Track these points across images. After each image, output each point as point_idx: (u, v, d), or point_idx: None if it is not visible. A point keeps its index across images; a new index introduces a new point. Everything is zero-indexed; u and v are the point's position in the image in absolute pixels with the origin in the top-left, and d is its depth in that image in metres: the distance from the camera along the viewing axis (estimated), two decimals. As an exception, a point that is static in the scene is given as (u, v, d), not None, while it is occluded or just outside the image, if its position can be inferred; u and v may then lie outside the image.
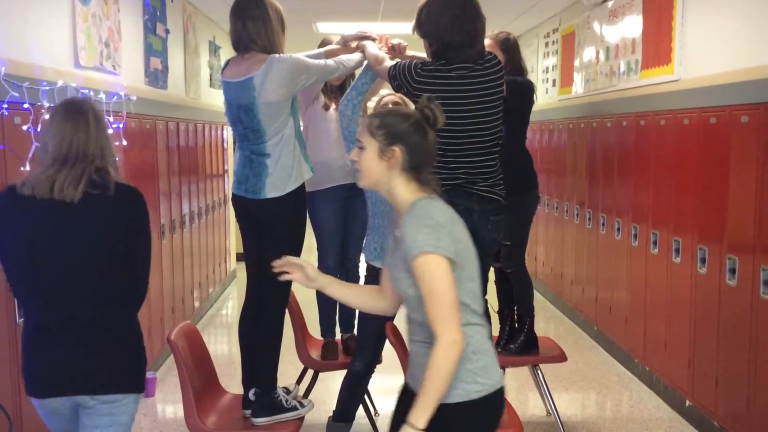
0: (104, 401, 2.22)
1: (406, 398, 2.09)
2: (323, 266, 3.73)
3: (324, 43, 3.67)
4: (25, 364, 2.25)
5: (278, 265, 2.18)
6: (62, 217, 2.17)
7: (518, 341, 3.74)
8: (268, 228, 3.02)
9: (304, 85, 3.02)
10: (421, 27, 2.87)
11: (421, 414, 1.91)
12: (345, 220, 3.71)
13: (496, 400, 2.05)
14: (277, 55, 2.95)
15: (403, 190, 2.05)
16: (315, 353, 3.71)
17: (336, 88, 3.73)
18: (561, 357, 3.75)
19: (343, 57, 3.19)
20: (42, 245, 2.17)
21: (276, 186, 2.97)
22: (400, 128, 2.04)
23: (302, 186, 3.06)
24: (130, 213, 2.26)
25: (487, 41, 3.95)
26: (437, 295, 1.94)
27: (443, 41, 2.78)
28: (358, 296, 2.30)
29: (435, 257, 1.93)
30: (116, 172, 2.28)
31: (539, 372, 3.78)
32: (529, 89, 3.86)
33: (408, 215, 2.01)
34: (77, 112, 2.25)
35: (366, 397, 3.64)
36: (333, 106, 3.69)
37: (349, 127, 3.13)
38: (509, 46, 3.89)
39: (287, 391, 3.17)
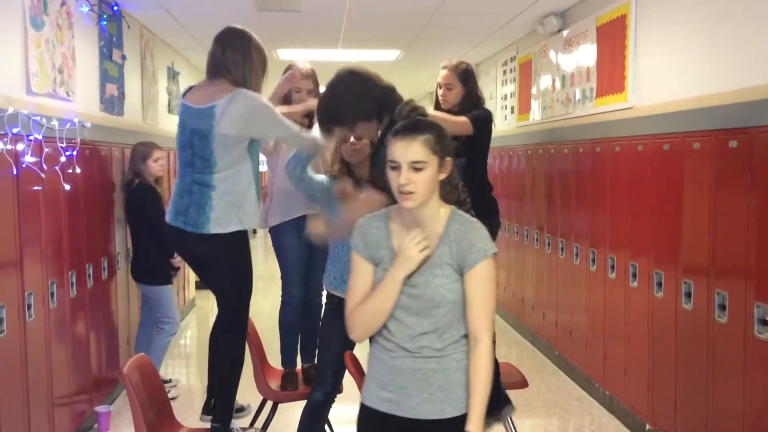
0: None
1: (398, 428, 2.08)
2: (288, 294, 3.70)
3: (288, 68, 3.67)
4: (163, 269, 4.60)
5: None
6: None
7: None
8: (211, 263, 2.97)
9: (261, 133, 2.94)
10: (341, 119, 2.68)
11: (479, 420, 1.99)
12: (309, 249, 3.68)
13: None
14: (244, 90, 2.90)
15: (437, 200, 2.08)
16: (274, 384, 3.64)
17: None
18: (522, 383, 3.74)
19: (309, 135, 3.08)
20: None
21: (221, 222, 2.90)
22: (448, 139, 2.07)
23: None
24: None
25: (444, 72, 4.01)
26: (492, 296, 2.05)
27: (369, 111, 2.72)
28: None
29: (494, 261, 2.05)
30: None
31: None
32: (488, 120, 3.93)
33: (455, 222, 2.06)
34: None
35: (327, 427, 3.58)
36: None
37: (298, 185, 3.00)
38: (468, 77, 3.96)
39: (241, 408, 3.13)
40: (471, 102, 3.93)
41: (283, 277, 3.74)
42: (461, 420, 2.01)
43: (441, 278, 2.02)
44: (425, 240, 2.02)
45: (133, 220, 4.87)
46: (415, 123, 2.08)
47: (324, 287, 3.24)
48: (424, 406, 2.04)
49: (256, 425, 3.74)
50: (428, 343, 2.04)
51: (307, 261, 3.68)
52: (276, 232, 3.68)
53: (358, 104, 2.69)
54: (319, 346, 3.28)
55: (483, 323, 2.02)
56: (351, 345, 3.16)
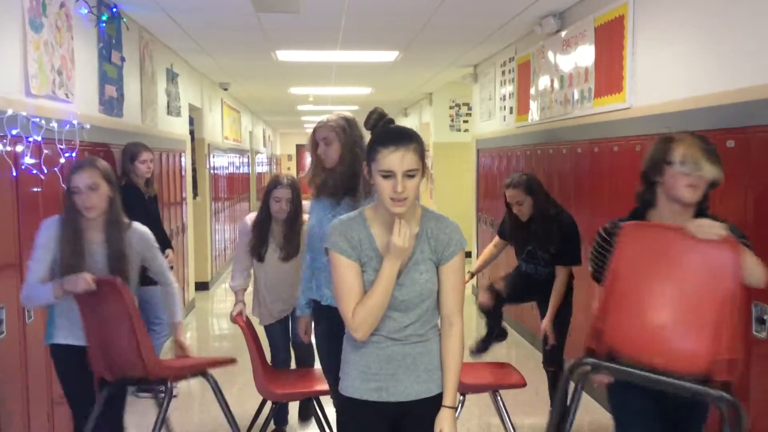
0: None
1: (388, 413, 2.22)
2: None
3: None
4: None
5: None
6: None
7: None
8: None
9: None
10: None
11: (455, 396, 2.21)
12: None
13: None
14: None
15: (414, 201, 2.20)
16: (272, 384, 3.66)
17: (284, 238, 3.95)
18: (520, 382, 3.76)
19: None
20: None
21: None
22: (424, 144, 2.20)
23: None
24: None
25: (510, 192, 4.03)
26: (463, 284, 2.26)
27: None
28: None
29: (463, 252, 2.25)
30: None
31: (500, 398, 3.78)
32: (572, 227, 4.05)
33: (429, 219, 2.22)
34: None
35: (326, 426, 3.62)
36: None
37: None
38: (533, 186, 4.02)
39: None
40: (541, 205, 4.01)
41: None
42: (441, 396, 2.23)
43: (426, 273, 2.19)
44: (407, 229, 2.13)
45: None
46: (403, 133, 2.17)
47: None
48: (413, 387, 2.21)
49: (257, 423, 3.76)
50: (413, 331, 2.21)
51: None
52: None
53: None
54: (321, 360, 3.32)
55: (457, 308, 2.23)
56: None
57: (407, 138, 2.14)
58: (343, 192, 3.09)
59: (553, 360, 4.06)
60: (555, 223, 3.94)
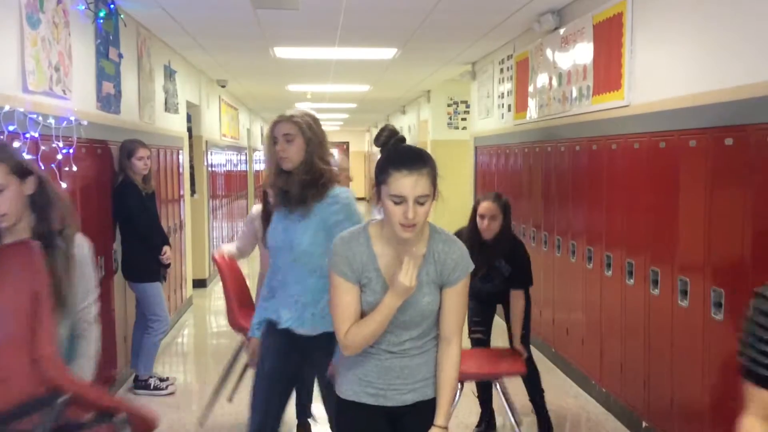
0: None
1: (384, 417, 2.22)
2: None
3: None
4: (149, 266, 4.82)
5: None
6: None
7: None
8: None
9: None
10: None
11: (447, 415, 2.20)
12: None
13: None
14: None
15: None
16: (244, 320, 3.65)
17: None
18: (521, 370, 3.79)
19: None
20: None
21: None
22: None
23: None
24: None
25: (487, 204, 4.01)
26: (465, 305, 2.25)
27: None
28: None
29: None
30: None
31: (500, 386, 3.82)
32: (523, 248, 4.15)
33: (437, 241, 2.16)
34: None
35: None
36: None
37: None
38: (507, 207, 4.05)
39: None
40: (506, 229, 4.03)
41: None
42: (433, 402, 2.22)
43: (428, 296, 2.16)
44: (416, 268, 2.09)
45: (119, 216, 4.89)
46: (417, 155, 2.09)
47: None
48: (410, 394, 2.21)
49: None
50: (412, 344, 2.20)
51: None
52: None
53: None
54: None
55: (456, 327, 2.21)
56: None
57: (421, 162, 2.05)
58: (297, 202, 2.75)
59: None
60: (515, 246, 4.05)
